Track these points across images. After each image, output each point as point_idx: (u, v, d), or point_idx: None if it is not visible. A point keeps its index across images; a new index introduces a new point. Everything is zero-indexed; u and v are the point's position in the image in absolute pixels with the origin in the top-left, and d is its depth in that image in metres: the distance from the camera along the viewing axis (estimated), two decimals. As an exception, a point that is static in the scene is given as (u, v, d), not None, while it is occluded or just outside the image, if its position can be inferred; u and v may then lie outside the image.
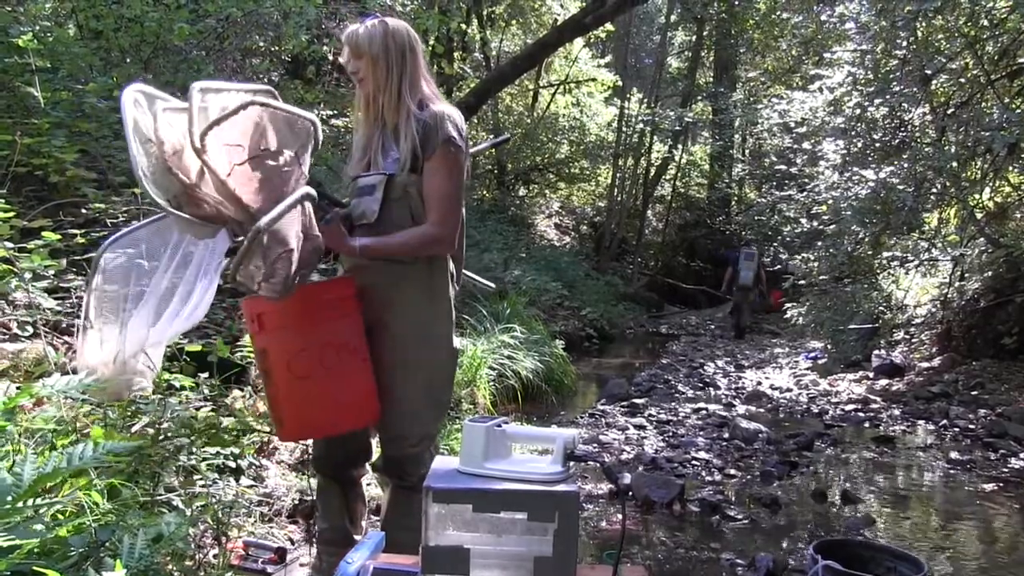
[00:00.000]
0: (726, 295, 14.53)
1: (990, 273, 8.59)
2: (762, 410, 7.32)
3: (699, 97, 20.98)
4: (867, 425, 6.66)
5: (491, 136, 16.29)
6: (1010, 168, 8.26)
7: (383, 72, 2.38)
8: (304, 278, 2.24)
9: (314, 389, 2.31)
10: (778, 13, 13.86)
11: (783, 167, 13.37)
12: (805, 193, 10.89)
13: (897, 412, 7.01)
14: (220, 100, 2.10)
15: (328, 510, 2.62)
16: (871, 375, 8.71)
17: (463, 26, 13.76)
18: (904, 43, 8.27)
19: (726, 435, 6.02)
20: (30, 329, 3.58)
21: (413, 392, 2.43)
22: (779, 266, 13.26)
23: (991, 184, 8.80)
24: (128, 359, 2.33)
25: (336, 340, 2.33)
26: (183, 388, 3.17)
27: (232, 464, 3.19)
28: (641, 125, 18.66)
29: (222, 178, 2.02)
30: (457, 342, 2.57)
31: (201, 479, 2.93)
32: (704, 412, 6.93)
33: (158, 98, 2.19)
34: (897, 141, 8.97)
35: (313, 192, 2.20)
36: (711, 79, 21.23)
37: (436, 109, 2.40)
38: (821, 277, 10.10)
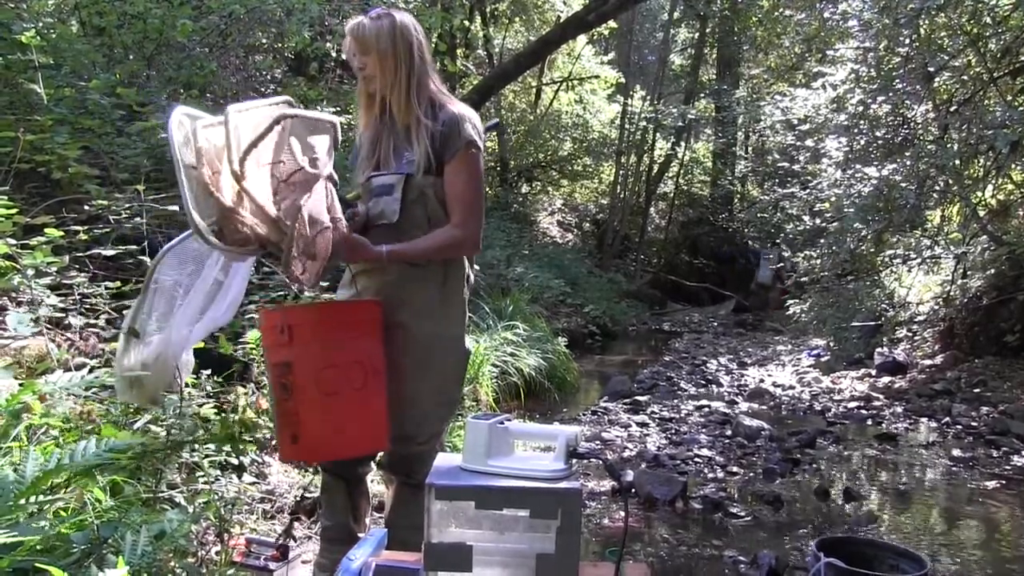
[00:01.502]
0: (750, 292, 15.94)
1: (992, 271, 8.58)
2: (764, 407, 7.32)
3: (702, 94, 20.92)
4: (869, 423, 6.66)
5: (495, 133, 16.30)
6: (1013, 166, 8.23)
7: (392, 70, 2.33)
8: (331, 268, 2.24)
9: (339, 407, 2.25)
10: (781, 10, 13.81)
11: (786, 164, 13.36)
12: (808, 190, 10.87)
13: (899, 409, 7.01)
14: (250, 119, 2.07)
15: (332, 507, 2.59)
16: (874, 372, 8.71)
17: (466, 23, 13.75)
18: (907, 40, 8.25)
19: (728, 432, 6.02)
20: (33, 326, 3.59)
21: (426, 393, 2.42)
22: (781, 264, 13.27)
23: (994, 182, 8.79)
24: (170, 360, 2.33)
25: (364, 360, 2.29)
26: (186, 385, 3.17)
27: (234, 461, 3.20)
28: (644, 122, 18.62)
29: (259, 203, 2.02)
30: (469, 343, 2.57)
31: (203, 476, 2.93)
32: (707, 409, 6.93)
33: (197, 118, 2.16)
34: (900, 139, 8.95)
35: (335, 176, 2.22)
36: (714, 76, 21.17)
37: (454, 111, 2.38)
38: (823, 274, 10.09)
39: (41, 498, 1.95)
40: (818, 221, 10.70)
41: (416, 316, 2.40)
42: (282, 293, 4.58)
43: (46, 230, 3.44)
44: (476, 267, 2.57)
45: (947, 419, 6.54)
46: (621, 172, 19.03)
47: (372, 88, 2.39)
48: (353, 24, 2.37)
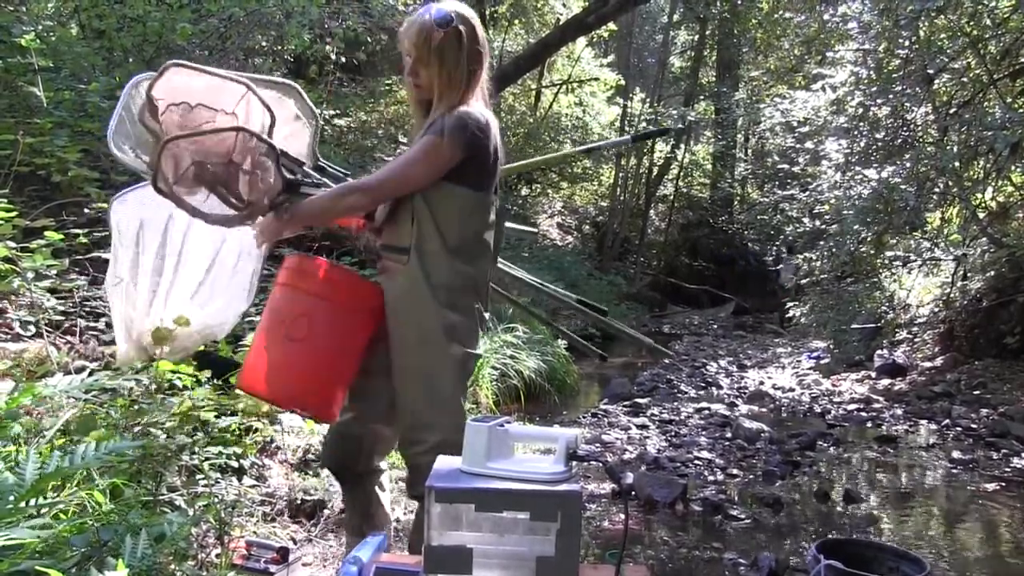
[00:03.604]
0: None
1: (992, 273, 8.59)
2: (764, 410, 7.32)
3: (702, 96, 20.94)
4: (869, 425, 6.65)
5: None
6: (1012, 168, 8.23)
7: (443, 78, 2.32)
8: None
9: (293, 355, 2.35)
10: (781, 12, 13.83)
11: (786, 166, 13.37)
12: (808, 192, 10.89)
13: (899, 412, 7.01)
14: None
15: (345, 503, 2.71)
16: (873, 375, 8.71)
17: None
18: (906, 42, 8.26)
19: (728, 435, 6.02)
20: (32, 328, 3.59)
21: (415, 399, 2.36)
22: (781, 265, 13.29)
23: (993, 184, 8.79)
24: (216, 335, 2.67)
25: (336, 326, 2.37)
26: (185, 387, 3.17)
27: (235, 463, 3.20)
28: (644, 124, 18.64)
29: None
30: (471, 344, 2.41)
31: (203, 478, 2.93)
32: (707, 412, 6.93)
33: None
34: (899, 141, 8.95)
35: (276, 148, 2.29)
36: (714, 78, 21.20)
37: (459, 109, 2.30)
38: (823, 277, 10.09)
39: (41, 500, 1.95)
40: (818, 223, 10.72)
41: (398, 319, 2.36)
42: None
43: (46, 233, 3.44)
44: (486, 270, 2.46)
45: (947, 421, 6.54)
46: (621, 174, 19.05)
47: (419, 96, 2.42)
48: (420, 19, 2.33)
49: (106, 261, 3.99)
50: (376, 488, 2.64)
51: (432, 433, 2.32)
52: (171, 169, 2.21)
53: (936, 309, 9.38)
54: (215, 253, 2.90)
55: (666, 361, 10.25)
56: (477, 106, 2.33)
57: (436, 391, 2.34)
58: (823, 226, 10.42)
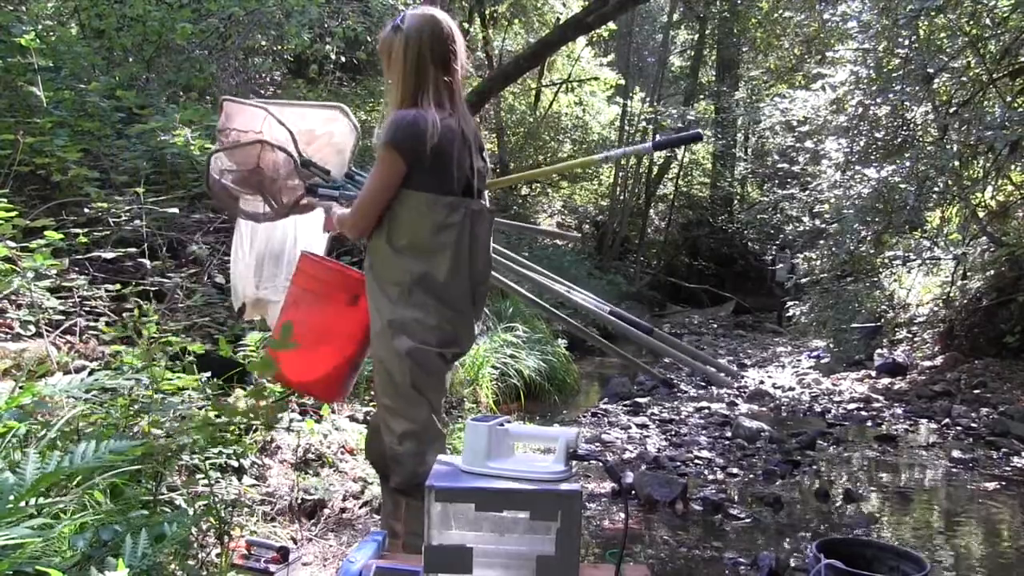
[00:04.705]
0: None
1: (992, 272, 8.59)
2: (764, 409, 7.32)
3: (701, 96, 20.92)
4: (869, 424, 6.66)
5: (495, 135, 16.33)
6: (1012, 167, 8.24)
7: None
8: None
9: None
10: (780, 12, 13.83)
11: (785, 166, 13.38)
12: (807, 192, 10.89)
13: (899, 411, 7.01)
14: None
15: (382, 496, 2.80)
16: (873, 374, 8.71)
17: (465, 25, 13.76)
18: (906, 42, 8.26)
19: (728, 434, 6.02)
20: (32, 328, 3.59)
21: (380, 388, 2.46)
22: (781, 265, 13.30)
23: (993, 183, 8.79)
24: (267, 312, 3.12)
25: (313, 311, 2.67)
26: (185, 388, 3.17)
27: (235, 463, 3.20)
28: (644, 124, 18.63)
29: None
30: (422, 339, 2.39)
31: (203, 478, 2.93)
32: (706, 411, 6.93)
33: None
34: (899, 140, 8.96)
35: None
36: (713, 78, 21.19)
37: (395, 112, 2.40)
38: (823, 276, 10.09)
39: (41, 500, 1.95)
40: (818, 222, 10.73)
41: (370, 310, 2.49)
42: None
43: (46, 233, 3.44)
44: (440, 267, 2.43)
45: (947, 420, 6.54)
46: (621, 174, 19.03)
47: None
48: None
49: (106, 260, 4.04)
50: None
51: (398, 423, 2.41)
52: (215, 174, 2.78)
53: (936, 308, 9.38)
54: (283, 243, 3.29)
55: (666, 361, 10.24)
56: (425, 108, 2.36)
57: (393, 382, 2.41)
58: (823, 225, 10.42)
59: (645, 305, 16.75)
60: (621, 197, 19.35)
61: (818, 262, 10.39)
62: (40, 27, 5.69)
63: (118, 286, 3.99)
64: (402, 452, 2.40)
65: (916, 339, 9.42)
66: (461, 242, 2.41)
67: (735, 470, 5.09)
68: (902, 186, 8.28)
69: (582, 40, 16.81)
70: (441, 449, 2.40)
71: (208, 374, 3.38)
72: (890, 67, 8.76)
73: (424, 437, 2.40)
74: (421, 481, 1.84)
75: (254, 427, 3.49)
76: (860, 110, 9.14)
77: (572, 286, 2.55)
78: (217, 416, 3.01)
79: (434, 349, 2.41)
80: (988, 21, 8.01)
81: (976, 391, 7.38)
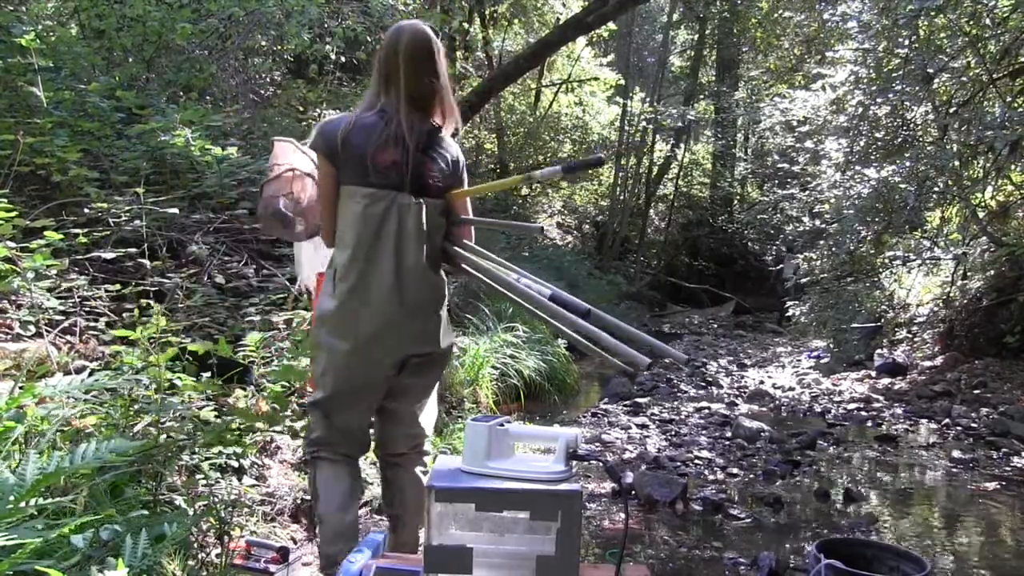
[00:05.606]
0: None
1: (992, 272, 8.58)
2: (764, 409, 7.32)
3: (701, 96, 20.92)
4: (869, 424, 6.65)
5: (494, 135, 16.32)
6: (1012, 167, 8.24)
7: None
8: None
9: None
10: (780, 12, 13.84)
11: (785, 166, 13.36)
12: (807, 192, 10.88)
13: (899, 411, 7.01)
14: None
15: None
16: (873, 374, 8.71)
17: (465, 25, 13.76)
18: (906, 42, 8.26)
19: (728, 434, 6.02)
20: (32, 328, 3.59)
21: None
22: (792, 261, 13.30)
23: (993, 183, 8.79)
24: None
25: None
26: (185, 388, 3.17)
27: (235, 463, 3.20)
28: (644, 124, 18.63)
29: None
30: (335, 334, 2.47)
31: (204, 478, 2.93)
32: (706, 411, 6.93)
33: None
34: (899, 140, 8.95)
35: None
36: (713, 78, 21.19)
37: None
38: (823, 276, 10.09)
39: (41, 500, 1.95)
40: (818, 222, 10.71)
41: None
42: (282, 295, 4.59)
43: (46, 233, 3.44)
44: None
45: (947, 420, 6.54)
46: (621, 174, 19.03)
47: None
48: None
49: (106, 260, 4.04)
50: (403, 474, 2.67)
51: (312, 394, 2.58)
52: (273, 201, 3.02)
53: (936, 308, 9.38)
54: None
55: (666, 361, 10.25)
56: (358, 108, 2.55)
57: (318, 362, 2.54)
58: (823, 225, 10.41)
59: (645, 305, 16.75)
60: (621, 197, 19.34)
61: (818, 262, 10.38)
62: (40, 27, 5.70)
63: (118, 286, 4.00)
64: (311, 419, 2.59)
65: (916, 339, 9.41)
66: (383, 234, 2.42)
67: (735, 470, 5.09)
68: (902, 186, 8.28)
69: (582, 40, 16.81)
70: (338, 474, 2.53)
71: (208, 374, 3.38)
72: (890, 67, 8.76)
73: (313, 416, 2.58)
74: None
75: (254, 427, 3.49)
76: (860, 110, 9.13)
77: (521, 271, 2.49)
78: (231, 421, 3.02)
79: (341, 344, 2.45)
80: (988, 21, 8.01)
81: (976, 391, 7.38)
